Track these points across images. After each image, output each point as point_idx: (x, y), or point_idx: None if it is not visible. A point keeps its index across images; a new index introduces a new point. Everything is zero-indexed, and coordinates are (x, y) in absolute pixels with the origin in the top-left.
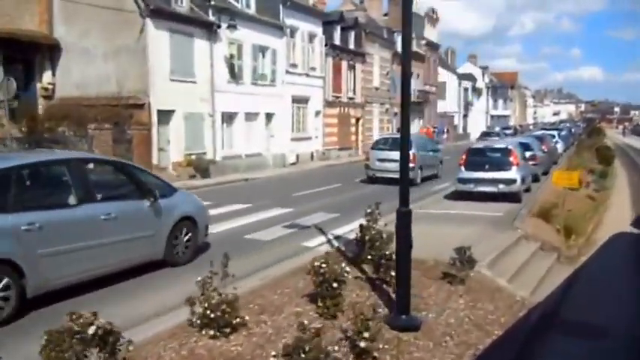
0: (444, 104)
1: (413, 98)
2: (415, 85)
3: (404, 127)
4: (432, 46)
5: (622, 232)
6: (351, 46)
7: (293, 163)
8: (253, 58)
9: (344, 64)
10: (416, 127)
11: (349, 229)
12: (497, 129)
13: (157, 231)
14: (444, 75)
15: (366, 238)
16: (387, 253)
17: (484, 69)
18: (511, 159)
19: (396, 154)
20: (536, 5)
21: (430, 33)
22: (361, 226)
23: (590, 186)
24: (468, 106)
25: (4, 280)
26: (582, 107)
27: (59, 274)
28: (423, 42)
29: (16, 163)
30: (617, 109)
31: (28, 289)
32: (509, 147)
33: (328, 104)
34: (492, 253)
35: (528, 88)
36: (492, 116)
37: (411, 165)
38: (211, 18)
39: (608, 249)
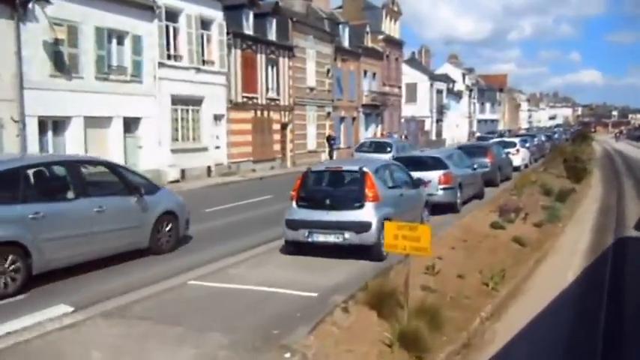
0: (414, 108)
1: (367, 100)
2: (369, 85)
3: None
4: (393, 43)
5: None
6: (272, 37)
7: (174, 181)
8: (99, 46)
9: (261, 58)
10: (370, 133)
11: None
12: (477, 134)
13: (143, 223)
14: (414, 76)
15: None
16: None
17: (469, 70)
18: (365, 190)
19: (377, 156)
20: (535, 9)
21: (390, 28)
22: None
23: (532, 218)
24: (442, 109)
25: (15, 259)
26: (579, 111)
27: (59, 256)
28: (381, 37)
29: (24, 163)
30: (615, 113)
31: (33, 267)
32: (365, 169)
33: (236, 106)
34: None
35: (522, 92)
36: (479, 121)
37: None
38: None
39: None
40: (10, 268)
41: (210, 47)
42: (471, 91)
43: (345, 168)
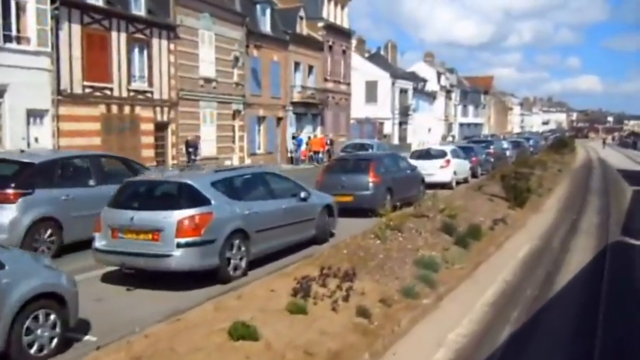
0: (374, 109)
1: (300, 98)
2: (304, 80)
3: None
4: (338, 32)
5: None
6: (140, 11)
7: None
8: None
9: (118, 37)
10: (303, 136)
11: None
12: (449, 139)
13: None
14: (375, 73)
15: None
16: None
17: (449, 71)
18: None
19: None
20: (535, 14)
21: (335, 14)
22: None
23: (380, 286)
24: (407, 111)
25: (52, 231)
26: (574, 116)
27: (83, 230)
28: (321, 24)
29: (58, 156)
30: (610, 119)
31: (64, 238)
32: None
33: (71, 99)
34: None
35: (515, 95)
36: (462, 124)
37: None
38: None
39: None
40: (48, 239)
41: (23, 19)
42: (448, 92)
43: None
